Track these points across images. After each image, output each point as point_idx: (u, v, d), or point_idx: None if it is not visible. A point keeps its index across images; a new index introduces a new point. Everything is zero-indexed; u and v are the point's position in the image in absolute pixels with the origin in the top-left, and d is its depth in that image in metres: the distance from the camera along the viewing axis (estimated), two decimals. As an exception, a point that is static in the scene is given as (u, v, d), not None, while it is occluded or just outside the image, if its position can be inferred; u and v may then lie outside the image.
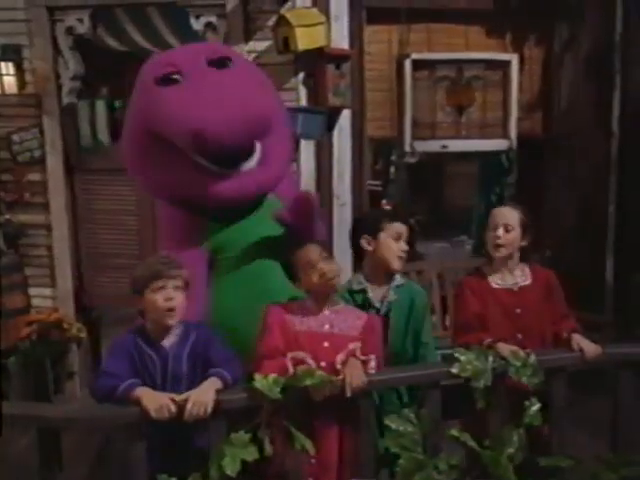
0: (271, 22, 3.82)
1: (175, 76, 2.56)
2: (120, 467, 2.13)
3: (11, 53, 4.14)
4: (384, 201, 4.99)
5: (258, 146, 2.62)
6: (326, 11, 3.85)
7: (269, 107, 2.61)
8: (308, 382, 2.06)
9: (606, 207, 4.38)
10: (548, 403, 2.33)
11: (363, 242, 2.55)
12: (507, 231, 2.52)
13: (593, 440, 2.87)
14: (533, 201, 4.63)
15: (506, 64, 4.49)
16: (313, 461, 2.17)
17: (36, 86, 4.21)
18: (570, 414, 2.41)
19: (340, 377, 2.13)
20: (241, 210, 2.65)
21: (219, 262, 2.64)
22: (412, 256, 2.63)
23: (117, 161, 4.33)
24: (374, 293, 2.53)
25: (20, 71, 4.17)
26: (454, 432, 2.19)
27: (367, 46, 4.19)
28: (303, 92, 3.93)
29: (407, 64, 4.33)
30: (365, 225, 2.60)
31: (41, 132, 4.25)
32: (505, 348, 2.31)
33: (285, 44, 3.67)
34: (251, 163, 2.61)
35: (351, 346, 2.23)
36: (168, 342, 2.20)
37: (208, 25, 3.99)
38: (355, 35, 4.03)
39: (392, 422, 2.20)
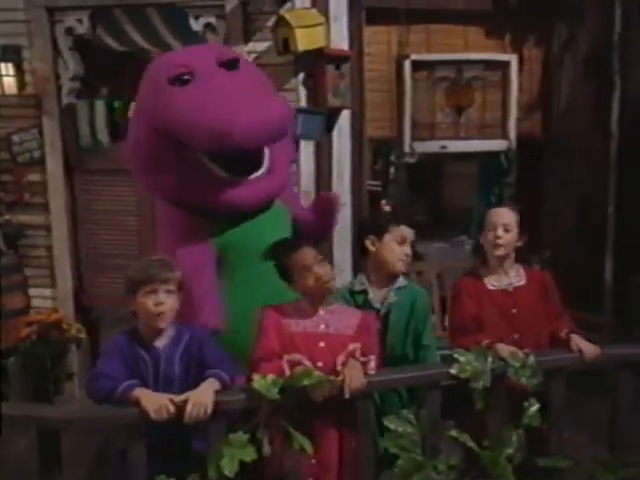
0: (271, 23, 3.82)
1: (187, 77, 2.56)
2: (119, 468, 2.14)
3: (11, 54, 4.14)
4: (383, 201, 4.99)
5: (267, 153, 2.63)
6: (325, 12, 3.85)
7: (289, 109, 2.62)
8: (306, 382, 2.06)
9: (605, 208, 4.38)
10: (547, 404, 2.33)
11: (368, 243, 2.57)
12: (506, 231, 2.53)
13: (592, 441, 2.88)
14: (532, 202, 4.65)
15: (505, 65, 4.49)
16: (313, 462, 2.18)
17: (36, 87, 4.21)
18: (569, 415, 2.41)
19: (339, 378, 2.13)
20: (249, 213, 2.66)
21: (226, 262, 2.64)
22: (412, 257, 2.62)
23: (117, 161, 4.37)
24: (375, 294, 2.55)
25: (20, 72, 4.17)
26: (453, 433, 2.20)
27: (366, 47, 4.19)
28: (303, 93, 3.93)
29: (406, 65, 4.33)
30: (371, 226, 2.64)
31: (41, 133, 4.25)
32: (504, 349, 2.32)
33: (285, 45, 3.67)
34: (261, 171, 2.62)
35: (351, 347, 2.23)
36: (160, 343, 2.21)
37: (207, 26, 3.99)
38: (354, 36, 4.03)
39: (391, 423, 2.21)
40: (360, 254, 2.67)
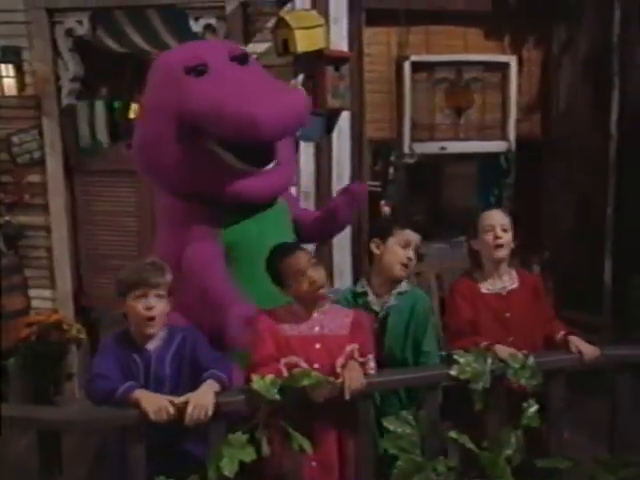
0: (270, 24, 3.82)
1: (201, 68, 2.57)
2: (118, 468, 2.14)
3: (11, 55, 4.15)
4: (383, 202, 4.99)
5: (277, 147, 2.65)
6: (325, 13, 3.85)
7: (307, 100, 2.65)
8: (306, 382, 2.07)
9: (604, 209, 4.38)
10: (546, 405, 2.34)
11: (372, 245, 2.58)
12: (504, 231, 2.54)
13: (591, 441, 2.88)
14: (531, 203, 4.67)
15: (505, 66, 4.49)
16: (314, 464, 2.18)
17: (36, 88, 4.22)
18: (568, 415, 2.41)
19: (339, 380, 2.13)
20: (257, 207, 2.66)
21: (231, 258, 2.63)
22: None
23: (116, 162, 4.40)
24: (375, 297, 2.55)
25: (20, 73, 4.18)
26: (452, 434, 2.20)
27: (366, 48, 4.19)
28: (302, 94, 3.94)
29: (406, 66, 4.33)
30: (377, 229, 2.64)
31: (40, 134, 4.26)
32: (503, 350, 2.32)
33: (284, 46, 3.67)
34: (273, 163, 2.64)
35: (348, 348, 2.24)
36: (152, 345, 2.22)
37: (207, 27, 4.00)
38: (354, 37, 4.03)
39: (390, 424, 2.21)
40: (367, 257, 2.68)
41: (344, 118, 4.02)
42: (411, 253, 2.52)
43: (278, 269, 2.31)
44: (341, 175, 4.06)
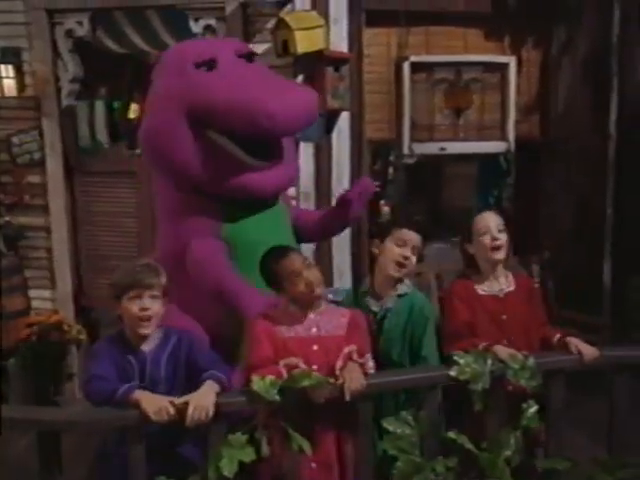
0: (270, 25, 3.83)
1: (211, 63, 2.58)
2: (119, 469, 2.14)
3: (11, 56, 4.16)
4: (382, 202, 5.00)
5: (283, 142, 2.67)
6: (325, 14, 3.86)
7: (316, 97, 2.66)
8: (306, 383, 2.07)
9: (603, 209, 4.38)
10: (545, 405, 2.34)
11: (373, 246, 2.59)
12: (500, 232, 2.54)
13: (591, 441, 2.89)
14: (531, 203, 4.68)
15: (504, 67, 4.50)
16: (313, 464, 2.19)
17: (35, 88, 4.23)
18: (567, 415, 2.42)
19: (339, 381, 2.14)
20: (259, 205, 2.67)
21: (231, 254, 2.62)
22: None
23: (116, 163, 4.40)
24: (376, 298, 2.55)
25: (20, 74, 4.19)
26: (452, 434, 2.21)
27: (366, 49, 4.19)
28: (302, 95, 3.94)
29: (406, 67, 4.34)
30: (377, 230, 2.64)
31: (40, 134, 4.27)
32: (503, 351, 2.32)
33: (284, 47, 3.67)
34: (281, 158, 2.65)
35: (346, 350, 2.24)
36: (147, 346, 2.23)
37: (207, 28, 4.01)
38: (354, 38, 4.04)
39: (390, 424, 2.21)
40: (368, 258, 2.69)
41: (344, 119, 4.02)
42: (407, 252, 2.48)
43: (273, 271, 2.31)
44: (341, 175, 4.07)
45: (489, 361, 2.26)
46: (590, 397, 3.13)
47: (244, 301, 2.39)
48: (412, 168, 4.59)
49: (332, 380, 2.14)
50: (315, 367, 2.20)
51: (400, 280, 2.52)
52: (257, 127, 2.41)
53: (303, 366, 2.19)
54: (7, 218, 4.34)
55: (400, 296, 2.52)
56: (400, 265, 2.48)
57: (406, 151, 4.43)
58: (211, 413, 2.02)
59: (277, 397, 2.06)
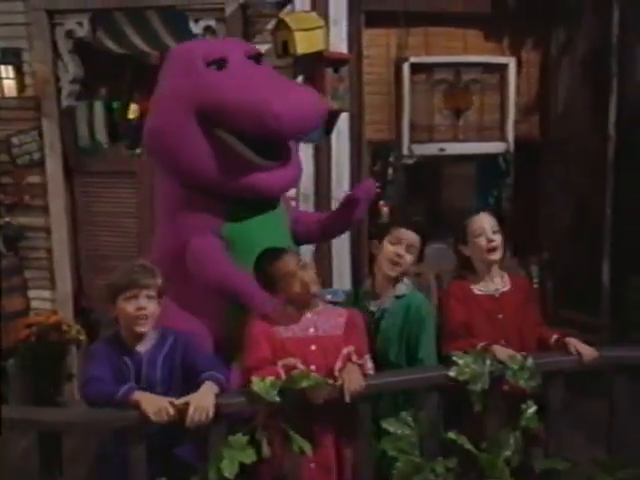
0: (270, 26, 3.83)
1: (221, 62, 2.58)
2: (119, 469, 2.15)
3: (11, 56, 4.16)
4: (382, 202, 5.00)
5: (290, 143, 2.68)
6: (325, 15, 3.86)
7: (322, 100, 2.69)
8: (305, 384, 2.08)
9: (603, 210, 4.39)
10: (544, 406, 2.35)
11: (372, 246, 2.60)
12: (495, 233, 2.55)
13: (590, 442, 2.89)
14: (530, 204, 4.68)
15: (503, 67, 4.50)
16: (312, 465, 2.19)
17: (36, 89, 4.23)
18: (567, 416, 2.43)
19: (339, 382, 2.14)
20: (261, 205, 2.67)
21: (231, 254, 2.62)
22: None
23: (116, 163, 4.41)
24: (374, 298, 2.55)
25: (20, 74, 4.20)
26: (451, 435, 2.21)
27: (366, 50, 4.20)
28: (302, 96, 3.94)
29: (405, 67, 4.34)
30: (376, 231, 2.65)
31: (40, 135, 4.28)
32: (502, 351, 2.33)
33: (284, 48, 3.68)
34: (288, 158, 2.66)
35: (345, 351, 2.25)
36: (143, 348, 2.23)
37: (207, 29, 4.01)
38: (354, 39, 4.04)
39: (390, 425, 2.22)
40: (368, 258, 2.70)
41: (343, 120, 4.02)
42: (400, 250, 2.48)
43: (268, 274, 2.32)
44: (340, 177, 4.07)
45: (488, 362, 2.27)
46: (588, 398, 3.14)
47: (249, 293, 2.39)
48: (411, 169, 4.59)
49: (331, 381, 2.14)
50: (313, 367, 2.20)
51: (399, 280, 2.53)
52: (265, 128, 2.42)
53: (301, 367, 2.19)
54: (7, 219, 4.34)
55: (398, 297, 2.52)
56: (394, 263, 2.48)
57: (406, 152, 4.44)
58: (211, 414, 2.02)
59: (277, 398, 2.06)
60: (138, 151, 4.36)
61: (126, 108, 4.75)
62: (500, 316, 2.53)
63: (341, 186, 4.05)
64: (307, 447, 2.09)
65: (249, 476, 2.10)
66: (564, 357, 2.41)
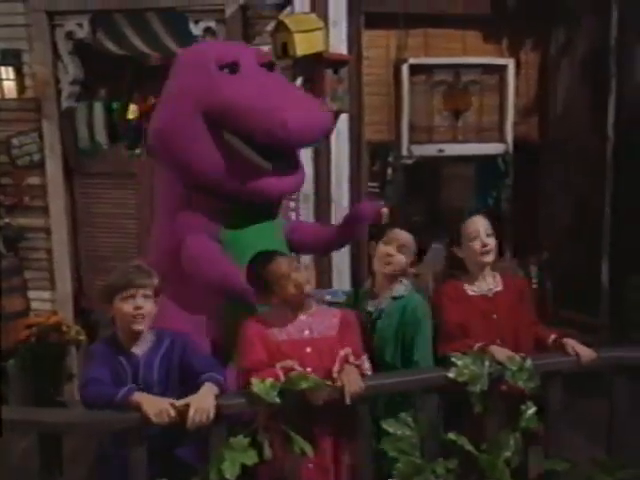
0: (270, 27, 3.83)
1: (235, 67, 2.58)
2: (119, 470, 2.15)
3: (11, 58, 4.17)
4: (381, 202, 5.00)
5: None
6: (324, 16, 3.87)
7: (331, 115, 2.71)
8: (304, 385, 2.08)
9: (602, 210, 4.40)
10: (544, 407, 2.35)
11: (370, 247, 2.62)
12: (488, 236, 2.56)
13: (589, 442, 2.90)
14: (529, 204, 4.68)
15: (503, 69, 4.50)
16: (310, 465, 2.19)
17: (35, 90, 4.24)
18: (566, 417, 2.43)
19: (338, 384, 2.14)
20: (260, 211, 2.67)
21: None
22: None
23: (116, 164, 4.41)
24: (373, 298, 2.56)
25: (20, 75, 4.20)
26: (452, 436, 2.22)
27: (365, 51, 4.20)
28: (301, 97, 3.95)
29: (405, 69, 4.35)
30: (376, 231, 2.66)
31: (40, 136, 4.28)
32: (500, 352, 2.33)
33: (284, 49, 3.68)
34: (295, 165, 2.68)
35: (342, 353, 2.25)
36: (140, 349, 2.23)
37: (207, 30, 4.02)
38: (353, 40, 4.05)
39: (390, 426, 2.22)
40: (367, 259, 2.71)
41: (343, 121, 4.03)
42: (391, 249, 2.50)
43: (261, 277, 2.32)
44: (340, 177, 4.08)
45: (487, 363, 2.27)
46: (587, 398, 3.15)
47: (249, 290, 2.38)
48: (411, 169, 4.60)
49: (329, 382, 2.14)
50: (310, 370, 2.20)
51: (397, 280, 2.53)
52: (273, 137, 2.43)
53: (299, 368, 2.19)
54: (7, 220, 4.35)
55: (395, 298, 2.52)
56: (385, 263, 2.51)
57: (405, 153, 4.44)
58: (212, 415, 2.02)
59: (277, 399, 2.06)
60: (137, 151, 4.37)
61: (125, 109, 4.76)
62: (495, 316, 2.54)
63: (340, 186, 4.06)
64: (308, 448, 2.09)
65: (249, 477, 2.10)
66: (563, 358, 2.41)
